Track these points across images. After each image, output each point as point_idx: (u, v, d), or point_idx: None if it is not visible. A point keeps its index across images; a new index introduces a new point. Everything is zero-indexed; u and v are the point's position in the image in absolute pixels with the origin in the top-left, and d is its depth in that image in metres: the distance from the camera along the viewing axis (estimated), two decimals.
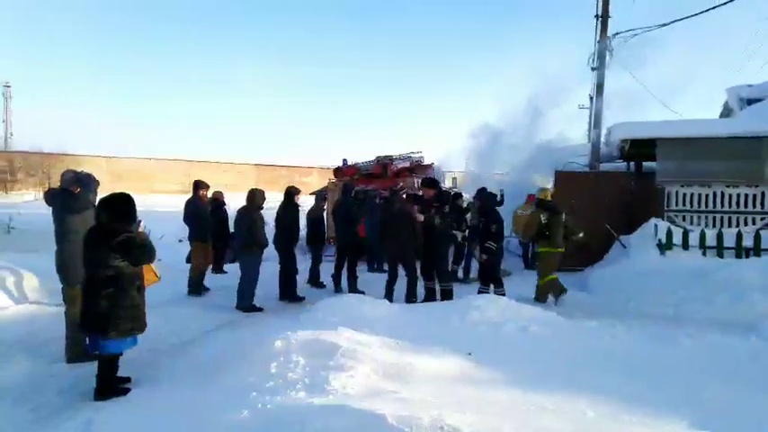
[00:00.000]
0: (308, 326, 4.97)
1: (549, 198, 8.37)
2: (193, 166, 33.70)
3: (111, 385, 4.20)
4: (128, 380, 4.42)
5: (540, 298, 7.99)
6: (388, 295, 7.48)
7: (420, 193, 7.98)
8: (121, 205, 4.27)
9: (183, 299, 8.08)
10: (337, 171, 13.29)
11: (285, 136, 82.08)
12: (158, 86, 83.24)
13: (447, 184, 16.69)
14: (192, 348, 5.57)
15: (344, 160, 13.35)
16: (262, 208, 7.61)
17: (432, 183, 7.99)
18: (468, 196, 11.22)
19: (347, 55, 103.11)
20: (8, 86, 43.88)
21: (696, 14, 12.30)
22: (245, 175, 34.29)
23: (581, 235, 8.28)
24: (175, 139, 74.47)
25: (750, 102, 13.74)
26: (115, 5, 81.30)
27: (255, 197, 7.56)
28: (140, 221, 4.75)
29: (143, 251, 4.24)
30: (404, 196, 8.11)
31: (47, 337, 5.54)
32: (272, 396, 3.55)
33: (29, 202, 25.23)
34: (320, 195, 10.11)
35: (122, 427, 3.41)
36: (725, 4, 11.18)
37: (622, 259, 9.49)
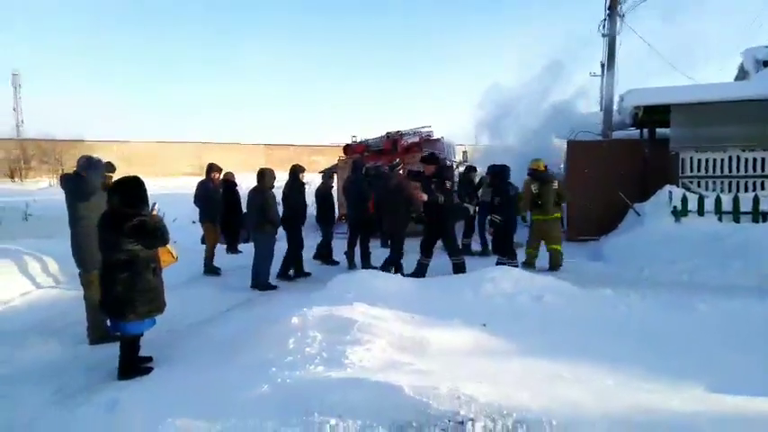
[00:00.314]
0: (323, 302, 5.03)
1: (541, 168, 8.34)
2: (204, 147, 33.79)
3: (133, 365, 4.31)
4: (149, 359, 4.53)
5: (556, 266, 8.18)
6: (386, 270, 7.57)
7: (421, 169, 7.91)
8: (132, 189, 4.30)
9: (199, 279, 8.20)
10: (347, 148, 13.25)
11: (294, 116, 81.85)
12: (167, 70, 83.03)
13: (458, 157, 16.57)
14: (210, 328, 5.67)
15: (354, 137, 13.28)
16: (272, 187, 7.65)
17: (431, 158, 7.94)
18: (481, 170, 11.11)
19: (355, 32, 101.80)
20: (16, 74, 44.00)
21: None
22: (254, 155, 34.31)
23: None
24: (186, 122, 74.52)
25: (766, 64, 13.38)
26: None
27: (266, 176, 7.59)
28: (155, 204, 4.79)
29: (155, 234, 4.27)
30: (401, 172, 8.06)
31: (69, 321, 5.67)
32: (290, 371, 3.61)
33: (43, 189, 25.53)
34: (327, 173, 10.08)
35: (146, 406, 3.50)
36: None
37: (637, 227, 9.42)
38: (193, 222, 10.67)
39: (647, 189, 10.29)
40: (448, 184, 7.52)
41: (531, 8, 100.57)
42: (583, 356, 3.92)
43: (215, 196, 8.88)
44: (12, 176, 29.83)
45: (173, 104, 77.56)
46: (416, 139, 13.43)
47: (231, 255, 10.20)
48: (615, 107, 12.76)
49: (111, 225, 4.20)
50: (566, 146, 12.08)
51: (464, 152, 17.46)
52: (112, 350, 4.51)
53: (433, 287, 5.92)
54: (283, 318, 4.52)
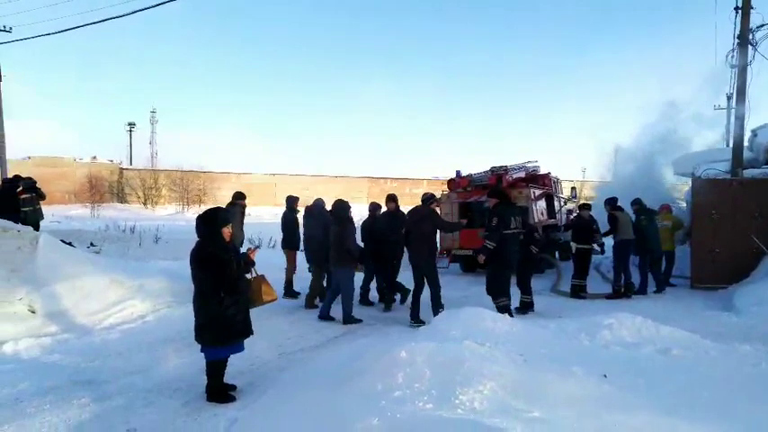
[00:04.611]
0: (429, 337, 4.99)
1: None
2: (313, 180, 35.58)
3: (215, 390, 4.50)
4: (233, 387, 4.70)
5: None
6: (414, 307, 7.41)
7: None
8: (201, 224, 4.54)
9: (300, 306, 8.50)
10: (451, 182, 13.25)
11: (398, 148, 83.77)
12: (284, 106, 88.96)
13: (565, 193, 15.97)
14: (317, 355, 5.86)
15: (458, 171, 13.27)
16: (350, 219, 7.72)
17: (495, 193, 7.75)
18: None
19: (467, 65, 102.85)
20: (154, 112, 49.49)
21: None
22: (358, 187, 35.49)
23: None
24: (298, 154, 79.14)
25: None
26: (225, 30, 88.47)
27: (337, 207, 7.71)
28: (258, 246, 5.07)
29: (217, 271, 4.37)
30: (432, 205, 7.79)
31: None
32: (399, 405, 3.59)
33: (171, 215, 28.07)
34: (373, 207, 9.56)
35: (264, 427, 3.65)
36: None
37: None
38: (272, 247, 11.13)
39: None
40: (494, 221, 7.21)
41: (650, 41, 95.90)
42: (720, 419, 3.53)
43: (295, 226, 9.38)
44: (145, 203, 33.21)
45: (288, 139, 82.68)
46: (522, 174, 13.14)
47: None
48: (746, 143, 11.67)
49: (191, 256, 4.48)
50: (690, 184, 11.21)
51: (573, 188, 16.80)
52: (240, 366, 4.78)
53: (544, 330, 5.66)
54: (392, 350, 4.53)
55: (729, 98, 21.21)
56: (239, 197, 9.23)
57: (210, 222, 4.52)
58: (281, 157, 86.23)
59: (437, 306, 7.33)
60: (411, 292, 7.66)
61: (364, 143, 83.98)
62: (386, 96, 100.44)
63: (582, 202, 12.16)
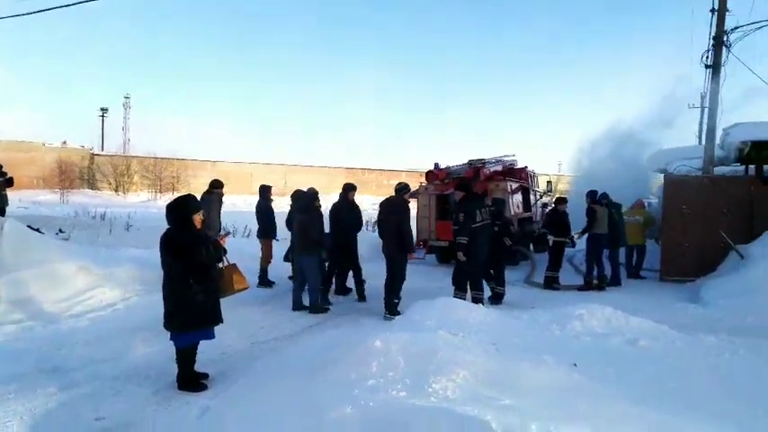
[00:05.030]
0: (403, 327, 5.00)
1: None
2: (290, 170, 35.26)
3: (186, 378, 4.46)
4: (205, 376, 4.66)
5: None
6: (389, 296, 7.33)
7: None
8: (171, 211, 4.49)
9: (281, 296, 8.44)
10: (429, 174, 13.28)
11: (378, 140, 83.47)
12: (260, 93, 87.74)
13: (541, 186, 16.15)
14: (291, 344, 5.83)
15: (436, 164, 13.31)
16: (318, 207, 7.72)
17: (462, 186, 7.80)
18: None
19: (447, 59, 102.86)
20: (127, 97, 48.38)
21: None
22: (336, 178, 35.29)
23: None
24: (275, 143, 78.21)
25: None
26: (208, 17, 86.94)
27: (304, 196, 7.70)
28: (228, 233, 5.01)
29: (191, 257, 4.34)
30: (406, 195, 7.78)
31: None
32: (373, 394, 3.59)
33: (143, 202, 27.54)
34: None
35: (236, 415, 3.61)
36: None
37: (740, 270, 8.70)
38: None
39: (753, 230, 9.50)
40: (461, 216, 7.22)
41: (626, 40, 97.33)
42: (685, 408, 3.61)
43: (270, 214, 9.35)
44: (116, 189, 32.49)
45: (265, 127, 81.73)
46: (499, 168, 13.24)
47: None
48: (718, 141, 11.95)
49: (160, 243, 4.44)
50: (663, 179, 11.46)
51: (548, 182, 17.00)
52: (211, 355, 4.72)
53: (517, 321, 5.73)
54: (366, 340, 4.53)
55: (703, 97, 21.66)
56: (216, 185, 9.12)
57: (181, 209, 4.47)
58: (258, 146, 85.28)
59: (392, 294, 7.30)
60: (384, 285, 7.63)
61: (343, 134, 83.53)
62: (366, 87, 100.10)
63: (558, 195, 12.31)
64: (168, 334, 4.50)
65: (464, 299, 7.19)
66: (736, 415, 3.63)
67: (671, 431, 3.20)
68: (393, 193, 7.73)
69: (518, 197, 13.13)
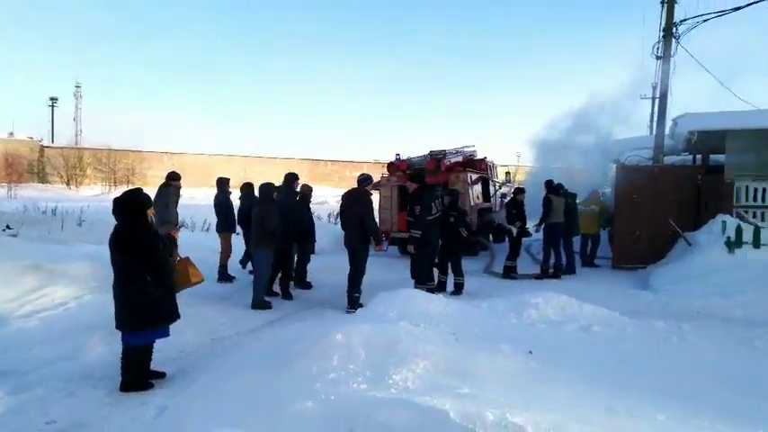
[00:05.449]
0: (366, 320, 5.04)
1: None
2: (251, 161, 34.70)
3: (137, 378, 4.34)
4: (162, 375, 4.57)
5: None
6: (351, 290, 7.28)
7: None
8: (123, 206, 4.35)
9: (243, 291, 8.34)
10: (390, 166, 13.32)
11: (340, 131, 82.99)
12: (220, 84, 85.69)
13: (500, 177, 16.42)
14: (253, 339, 5.78)
15: (397, 155, 13.35)
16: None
17: (416, 177, 7.90)
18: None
19: (409, 50, 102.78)
20: (78, 87, 46.48)
21: None
22: (299, 169, 34.95)
23: None
24: (235, 134, 76.59)
25: None
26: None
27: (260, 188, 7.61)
28: (181, 226, 4.91)
29: (145, 252, 4.25)
30: (368, 187, 7.68)
31: None
32: (334, 387, 3.61)
33: (97, 195, 26.60)
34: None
35: (196, 413, 3.57)
36: None
37: (687, 257, 9.09)
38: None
39: (700, 218, 9.94)
40: (417, 209, 7.31)
41: (580, 30, 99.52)
42: (634, 389, 3.79)
43: (230, 208, 9.25)
44: (68, 183, 31.27)
45: (225, 118, 79.96)
46: (460, 159, 13.39)
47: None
48: (667, 131, 12.41)
49: (111, 239, 4.30)
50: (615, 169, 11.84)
51: (507, 173, 17.30)
52: (169, 353, 4.63)
53: (476, 310, 5.85)
54: (328, 333, 4.54)
55: (654, 88, 22.37)
56: (174, 177, 8.89)
57: (134, 204, 4.35)
58: (219, 137, 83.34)
59: (354, 289, 7.27)
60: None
61: (306, 125, 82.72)
62: (328, 79, 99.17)
63: (517, 186, 12.56)
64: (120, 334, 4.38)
65: (424, 290, 7.28)
66: (680, 393, 3.83)
67: (621, 413, 3.34)
68: (356, 185, 7.69)
69: (478, 188, 13.33)
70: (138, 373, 4.34)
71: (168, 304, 4.43)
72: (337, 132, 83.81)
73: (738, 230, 8.72)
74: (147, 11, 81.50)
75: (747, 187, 9.92)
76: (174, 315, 4.52)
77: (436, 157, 12.56)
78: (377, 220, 9.81)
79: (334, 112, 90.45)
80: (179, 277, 4.74)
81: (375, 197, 10.08)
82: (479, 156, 14.78)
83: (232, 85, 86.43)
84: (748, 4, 11.45)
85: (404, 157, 13.29)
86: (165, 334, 4.50)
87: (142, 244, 4.24)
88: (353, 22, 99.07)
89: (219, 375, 4.40)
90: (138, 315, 4.27)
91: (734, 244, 8.64)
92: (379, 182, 13.11)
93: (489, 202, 14.13)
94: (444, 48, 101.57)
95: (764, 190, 9.83)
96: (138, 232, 4.27)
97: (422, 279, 7.58)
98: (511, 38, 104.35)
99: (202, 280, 5.10)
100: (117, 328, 4.37)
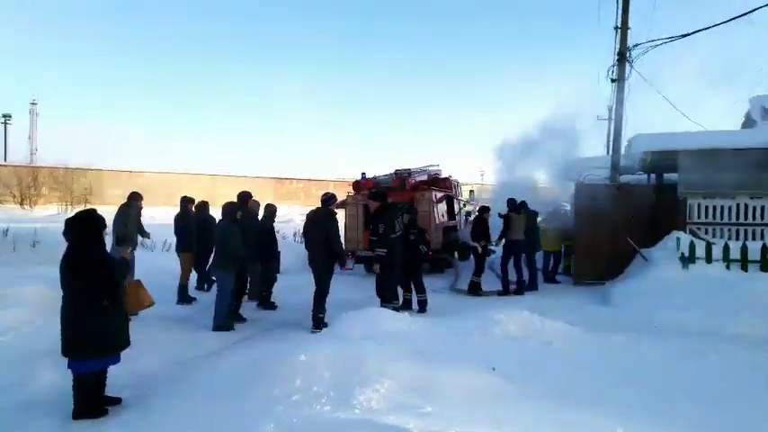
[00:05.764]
0: (331, 339, 5.00)
1: None
2: (215, 180, 34.21)
3: (88, 407, 4.15)
4: (117, 401, 4.38)
5: None
6: (316, 310, 7.19)
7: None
8: (83, 225, 4.21)
9: (204, 312, 8.15)
10: (356, 184, 13.36)
11: (306, 150, 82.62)
12: (186, 102, 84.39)
13: (464, 195, 16.66)
14: (216, 361, 5.63)
15: (363, 174, 13.41)
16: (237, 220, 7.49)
17: (377, 195, 7.96)
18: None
19: (377, 69, 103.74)
20: (34, 104, 45.07)
21: (718, 24, 12.04)
22: (263, 188, 34.62)
23: None
24: (201, 153, 75.15)
25: None
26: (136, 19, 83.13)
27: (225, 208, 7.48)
28: (131, 249, 4.79)
29: (101, 273, 4.11)
30: (332, 206, 7.61)
31: None
32: (297, 410, 3.57)
33: (52, 215, 25.70)
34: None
35: None
36: (746, 14, 11.06)
37: (644, 273, 9.37)
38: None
39: (656, 234, 10.29)
40: (381, 228, 7.34)
41: (540, 52, 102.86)
42: (594, 404, 3.87)
43: (191, 227, 9.12)
44: (21, 203, 30.12)
45: (190, 136, 78.55)
46: (425, 177, 13.54)
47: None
48: (623, 152, 12.86)
49: (64, 262, 4.13)
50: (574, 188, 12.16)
51: (471, 191, 17.57)
52: (124, 378, 4.48)
53: (441, 328, 5.87)
54: (291, 355, 4.49)
55: (610, 110, 23.17)
56: (135, 197, 8.70)
57: (91, 224, 4.22)
58: (181, 155, 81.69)
59: (318, 309, 7.17)
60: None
61: (271, 143, 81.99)
62: (293, 97, 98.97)
63: (481, 204, 12.76)
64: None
65: (390, 309, 7.28)
66: (638, 406, 3.92)
67: (583, 427, 3.40)
68: (320, 204, 7.65)
69: (443, 206, 13.48)
70: (90, 401, 4.15)
71: (123, 329, 4.29)
72: (303, 150, 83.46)
73: (692, 246, 9.06)
74: (106, 23, 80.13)
75: (699, 205, 10.34)
76: (128, 341, 4.37)
77: (401, 176, 12.67)
78: (342, 239, 9.81)
79: (299, 130, 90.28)
80: (131, 300, 4.60)
81: (340, 216, 10.09)
82: (444, 174, 14.99)
83: (195, 102, 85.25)
84: (696, 31, 12.06)
85: (369, 175, 13.35)
86: (117, 360, 4.34)
87: (100, 266, 4.10)
88: (316, 38, 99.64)
89: (178, 400, 4.28)
90: (93, 342, 4.08)
91: (687, 260, 8.97)
92: (344, 201, 13.12)
93: (454, 220, 14.29)
94: (409, 67, 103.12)
95: (715, 207, 10.26)
96: (96, 254, 4.14)
97: (388, 298, 7.58)
98: (474, 56, 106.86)
99: (153, 303, 4.98)
100: (65, 355, 4.16)
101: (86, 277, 4.07)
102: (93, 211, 4.45)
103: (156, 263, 10.42)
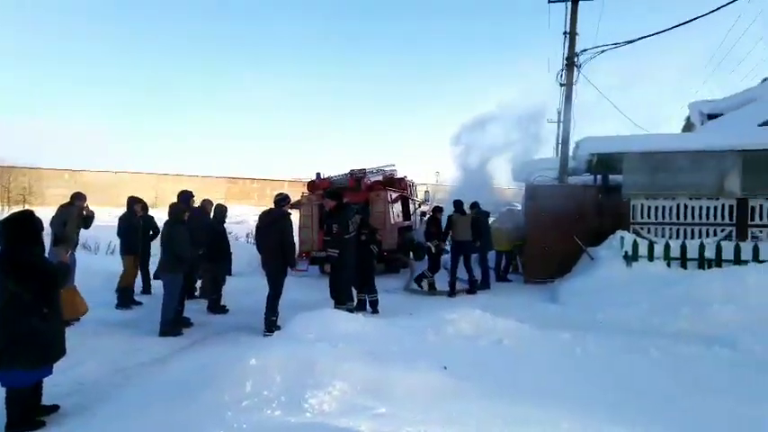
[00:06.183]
0: (283, 342, 4.92)
1: None
2: (162, 179, 33.09)
3: (19, 421, 3.88)
4: (55, 408, 4.17)
5: None
6: (268, 312, 7.09)
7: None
8: (21, 226, 3.97)
9: (153, 315, 7.88)
10: (311, 184, 13.25)
11: (257, 149, 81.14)
12: (131, 99, 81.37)
13: (420, 196, 16.79)
14: (162, 367, 5.44)
15: (318, 174, 13.31)
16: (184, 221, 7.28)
17: (332, 194, 7.95)
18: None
19: (329, 68, 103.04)
20: None
21: (660, 32, 12.63)
22: (215, 188, 33.81)
23: None
24: (146, 152, 72.49)
25: (710, 116, 14.30)
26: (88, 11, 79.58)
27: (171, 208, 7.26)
28: (69, 252, 4.60)
29: (41, 277, 3.90)
30: (286, 207, 7.53)
31: None
32: (247, 415, 3.48)
33: None
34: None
35: None
36: (686, 23, 11.64)
37: (591, 271, 9.67)
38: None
39: (602, 233, 10.65)
40: (335, 228, 7.30)
41: (497, 59, 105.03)
42: (544, 399, 3.96)
43: (136, 229, 8.84)
44: None
45: (135, 135, 75.71)
46: (380, 178, 13.57)
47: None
48: (571, 153, 13.27)
49: (4, 263, 3.86)
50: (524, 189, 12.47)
51: (426, 191, 17.73)
52: (64, 387, 4.26)
53: (395, 328, 5.88)
54: (241, 358, 4.37)
55: (559, 113, 23.88)
56: (78, 197, 8.32)
57: (28, 226, 3.98)
58: (126, 154, 78.49)
59: (271, 311, 7.06)
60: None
61: (224, 143, 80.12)
62: (248, 95, 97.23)
63: (435, 205, 12.90)
64: None
65: (344, 310, 7.23)
66: (584, 401, 4.04)
67: (532, 423, 3.47)
68: (273, 205, 7.51)
69: (398, 206, 13.54)
70: (24, 412, 3.91)
71: (61, 337, 4.07)
72: (256, 149, 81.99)
73: (635, 245, 9.43)
74: (44, 16, 76.35)
75: (642, 205, 10.76)
76: (64, 350, 4.15)
77: (357, 176, 12.65)
78: (297, 239, 9.69)
79: (252, 128, 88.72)
80: (66, 307, 4.36)
81: (294, 217, 9.96)
82: (399, 175, 15.07)
83: (143, 97, 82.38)
84: (640, 38, 12.63)
85: (325, 175, 13.27)
86: (50, 371, 4.09)
87: (38, 269, 3.88)
88: (269, 36, 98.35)
89: (121, 408, 4.11)
90: (29, 352, 3.83)
91: (631, 258, 9.33)
92: (299, 201, 12.99)
93: (409, 220, 14.38)
94: (366, 68, 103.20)
95: (657, 208, 10.72)
96: (33, 256, 3.91)
97: (342, 299, 7.53)
98: (427, 56, 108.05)
99: (87, 310, 4.77)
100: None
101: (23, 281, 3.83)
102: (29, 211, 4.19)
103: (98, 265, 10.02)
